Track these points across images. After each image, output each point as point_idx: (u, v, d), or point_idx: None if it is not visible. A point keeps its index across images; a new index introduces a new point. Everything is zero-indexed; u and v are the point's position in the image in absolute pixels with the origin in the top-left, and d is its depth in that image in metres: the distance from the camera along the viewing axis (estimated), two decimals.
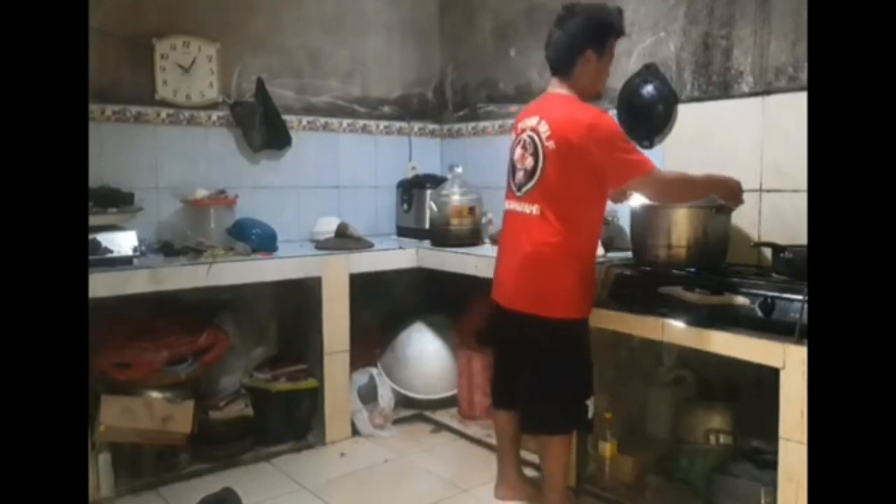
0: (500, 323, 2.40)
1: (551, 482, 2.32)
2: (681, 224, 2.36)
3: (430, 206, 3.29)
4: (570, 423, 2.31)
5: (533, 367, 2.29)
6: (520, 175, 2.26)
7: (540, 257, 2.19)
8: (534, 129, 2.22)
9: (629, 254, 2.61)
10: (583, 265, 2.25)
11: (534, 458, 2.62)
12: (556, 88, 2.27)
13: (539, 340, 2.25)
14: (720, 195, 2.29)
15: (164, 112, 3.06)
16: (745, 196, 2.50)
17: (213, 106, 3.19)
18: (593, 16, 2.20)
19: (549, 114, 2.20)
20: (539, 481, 2.48)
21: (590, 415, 2.27)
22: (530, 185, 2.21)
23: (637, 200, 2.47)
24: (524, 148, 2.25)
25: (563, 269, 2.19)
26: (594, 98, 2.29)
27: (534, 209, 2.21)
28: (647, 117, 2.81)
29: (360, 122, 3.66)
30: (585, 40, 2.18)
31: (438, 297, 3.49)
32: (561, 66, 2.24)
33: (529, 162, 2.22)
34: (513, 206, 2.30)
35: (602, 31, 2.20)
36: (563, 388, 2.25)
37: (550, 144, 2.16)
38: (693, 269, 2.32)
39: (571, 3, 2.23)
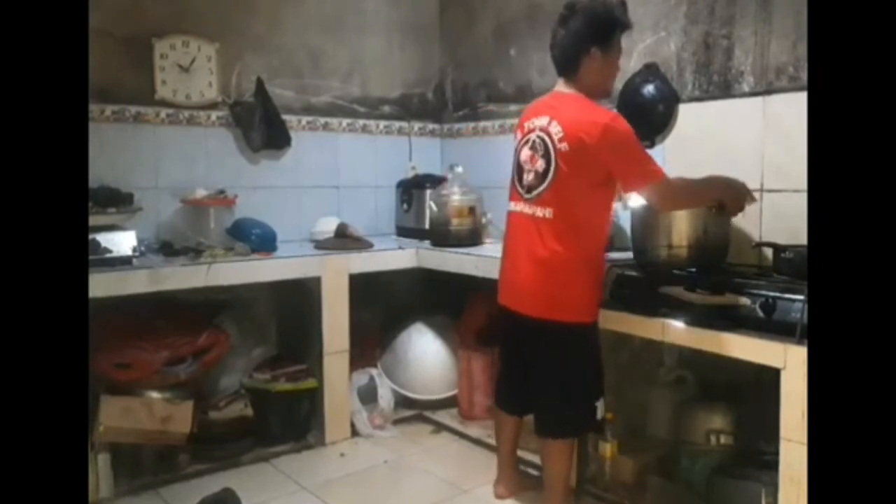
0: (510, 326, 2.36)
1: (554, 485, 2.31)
2: (680, 224, 2.34)
3: (430, 206, 3.28)
4: (581, 425, 2.30)
5: (546, 372, 2.27)
6: (530, 177, 2.21)
7: (556, 263, 2.16)
8: (544, 130, 2.17)
9: (630, 254, 2.61)
10: (594, 268, 2.24)
11: (534, 457, 2.62)
12: (564, 87, 2.22)
13: (553, 345, 2.23)
14: (725, 200, 2.23)
15: (163, 112, 3.06)
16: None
17: (212, 106, 3.18)
18: (595, 12, 2.15)
19: (560, 114, 2.15)
20: (537, 479, 2.50)
21: (599, 416, 2.27)
22: (542, 187, 2.17)
23: (637, 201, 2.47)
24: (533, 149, 2.21)
25: (576, 275, 2.18)
26: (603, 96, 2.27)
27: (547, 212, 2.17)
28: (648, 117, 2.81)
29: (360, 122, 3.65)
30: (589, 38, 2.14)
31: (438, 298, 3.48)
32: (567, 66, 2.20)
33: (540, 164, 2.17)
34: (521, 207, 2.25)
35: (605, 28, 2.15)
36: (575, 393, 2.25)
37: (563, 146, 2.11)
38: (693, 269, 2.32)
39: (572, 2, 2.18)
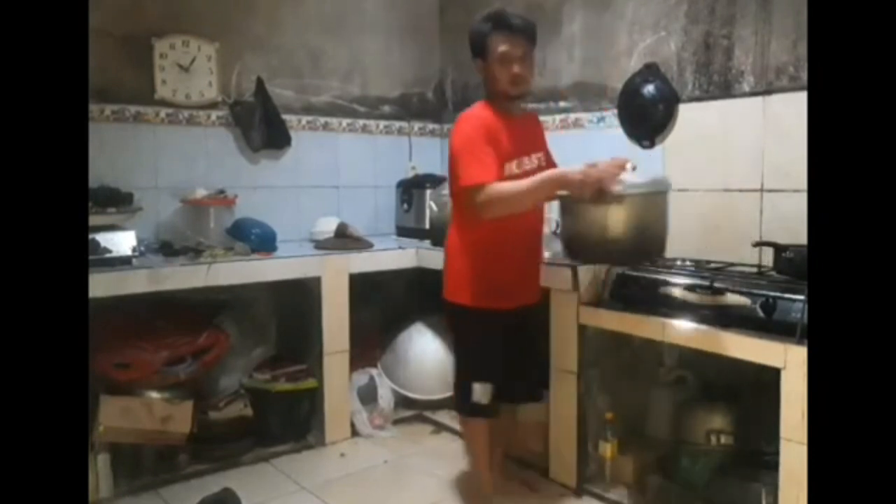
0: None
1: (468, 462, 2.45)
2: (580, 215, 2.12)
3: (430, 206, 3.28)
4: (459, 404, 2.38)
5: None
6: None
7: (448, 247, 2.35)
8: None
9: None
10: (477, 255, 2.26)
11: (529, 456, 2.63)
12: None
13: (447, 323, 2.49)
14: (568, 190, 2.04)
15: (163, 112, 3.06)
16: (746, 196, 2.52)
17: (212, 105, 3.18)
18: (469, 31, 2.31)
19: None
20: (529, 478, 2.59)
21: (474, 399, 2.28)
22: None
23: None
24: None
25: (457, 258, 2.30)
26: (506, 98, 2.24)
27: (451, 203, 2.39)
28: (648, 117, 2.82)
29: (360, 122, 3.65)
30: (472, 54, 2.30)
31: (438, 298, 3.46)
32: None
33: None
34: None
35: (474, 40, 2.27)
36: (455, 371, 2.40)
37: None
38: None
39: None
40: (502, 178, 2.15)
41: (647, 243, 2.11)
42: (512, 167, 2.20)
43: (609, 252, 2.13)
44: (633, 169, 2.14)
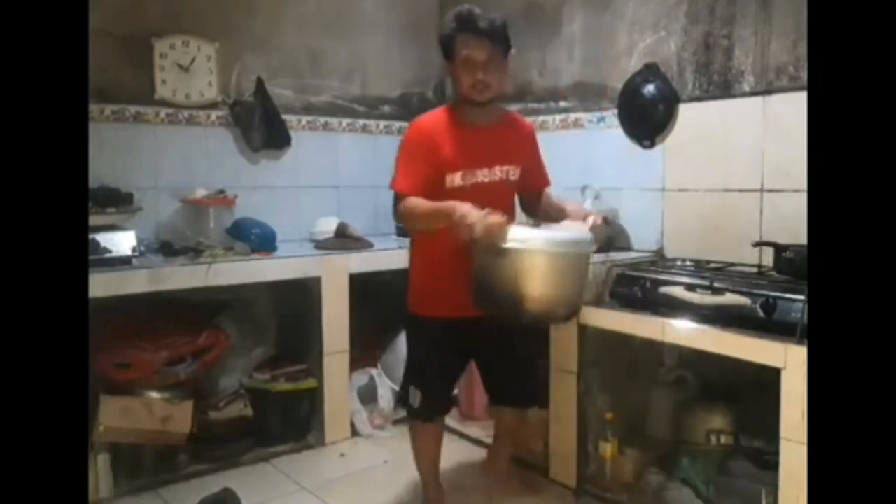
0: None
1: (416, 466, 2.43)
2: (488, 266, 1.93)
3: None
4: (405, 405, 2.41)
5: None
6: None
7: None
8: None
9: (630, 253, 2.61)
10: (422, 265, 2.25)
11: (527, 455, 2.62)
12: None
13: None
14: (447, 224, 1.94)
15: (163, 112, 3.05)
16: (746, 196, 2.52)
17: (212, 105, 3.18)
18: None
19: None
20: (529, 478, 2.60)
21: (411, 401, 2.32)
22: None
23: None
24: None
25: (411, 268, 2.30)
26: (466, 101, 2.14)
27: None
28: (648, 117, 2.82)
29: (360, 122, 3.65)
30: (443, 55, 2.16)
31: None
32: None
33: None
34: None
35: (443, 43, 2.14)
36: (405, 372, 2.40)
37: None
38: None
39: None
40: (439, 190, 2.04)
41: (534, 302, 1.89)
42: (455, 179, 2.07)
43: (493, 300, 1.94)
44: (597, 223, 2.04)
